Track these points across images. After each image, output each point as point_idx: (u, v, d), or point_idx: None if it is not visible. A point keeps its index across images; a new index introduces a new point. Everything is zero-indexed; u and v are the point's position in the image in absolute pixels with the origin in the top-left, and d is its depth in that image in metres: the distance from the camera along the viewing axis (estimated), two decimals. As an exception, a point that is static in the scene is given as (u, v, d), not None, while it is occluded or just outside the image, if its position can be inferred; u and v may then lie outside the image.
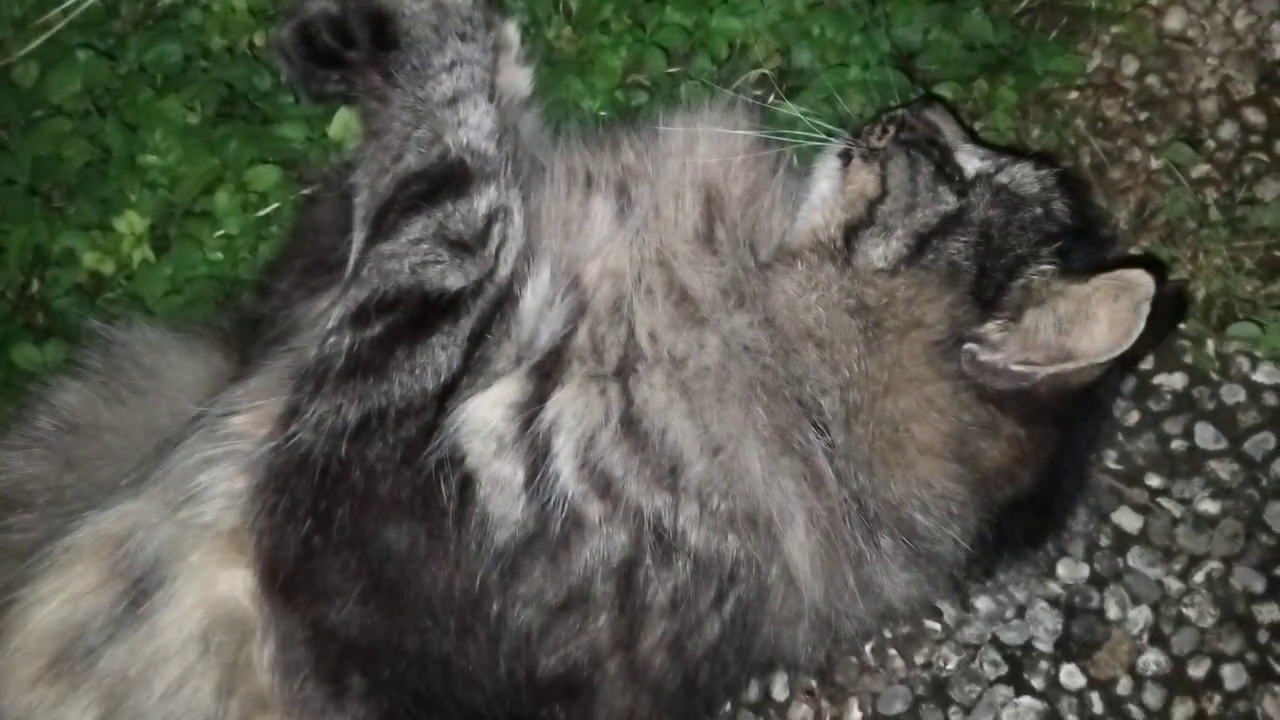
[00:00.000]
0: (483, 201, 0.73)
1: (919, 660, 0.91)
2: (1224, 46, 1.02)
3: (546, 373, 0.72)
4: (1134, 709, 0.90)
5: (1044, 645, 0.91)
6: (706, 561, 0.71)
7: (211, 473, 0.73)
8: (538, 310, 0.73)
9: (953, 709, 0.90)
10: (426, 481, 0.69)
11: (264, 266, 0.93)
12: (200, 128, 0.98)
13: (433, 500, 0.69)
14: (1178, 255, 0.96)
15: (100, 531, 0.73)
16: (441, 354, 0.71)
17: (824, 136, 0.82)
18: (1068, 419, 0.74)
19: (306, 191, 0.96)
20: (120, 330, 0.87)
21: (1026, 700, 0.90)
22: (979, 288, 0.72)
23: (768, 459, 0.70)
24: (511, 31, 0.86)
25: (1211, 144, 1.00)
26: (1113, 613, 0.91)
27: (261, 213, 0.96)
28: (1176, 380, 0.96)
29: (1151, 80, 1.02)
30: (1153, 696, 0.90)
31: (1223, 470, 0.94)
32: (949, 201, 0.74)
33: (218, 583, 0.71)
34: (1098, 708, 0.90)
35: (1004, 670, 0.91)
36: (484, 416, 0.70)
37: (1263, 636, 0.90)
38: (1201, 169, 0.99)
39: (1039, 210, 0.75)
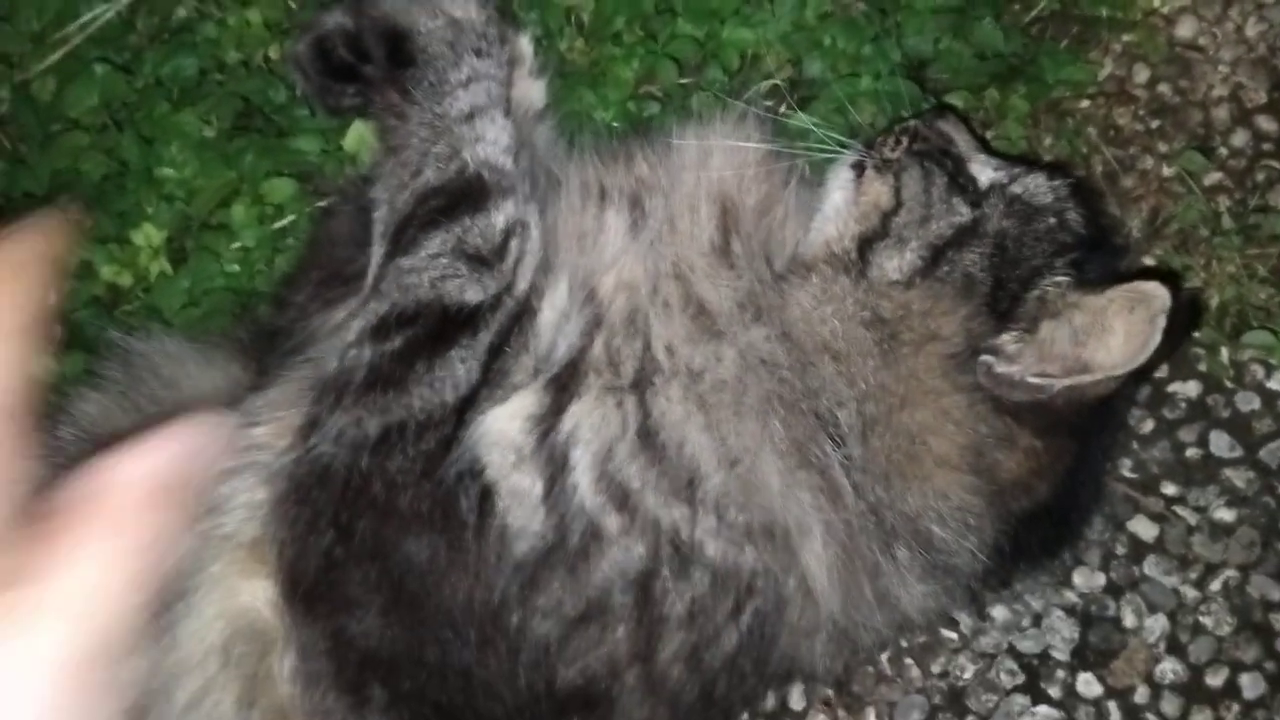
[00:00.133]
0: (500, 216, 0.74)
1: (935, 669, 0.91)
2: (1236, 54, 1.02)
3: (563, 385, 0.72)
4: (1151, 718, 0.89)
5: (1060, 654, 0.91)
6: (724, 573, 0.71)
7: (232, 484, 0.73)
8: (555, 323, 0.74)
9: (969, 718, 0.90)
10: (447, 494, 0.69)
11: (280, 279, 0.94)
12: (216, 141, 0.98)
13: (453, 512, 0.69)
14: (1191, 263, 0.96)
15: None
16: (460, 367, 0.71)
17: (836, 147, 0.82)
18: (1084, 430, 0.74)
19: (322, 204, 0.97)
20: (139, 341, 0.87)
21: (1043, 709, 0.90)
22: (994, 299, 0.72)
23: (785, 472, 0.70)
24: (525, 45, 0.87)
25: (1224, 152, 1.00)
26: (1129, 621, 0.91)
27: (277, 225, 0.97)
28: (1191, 388, 0.95)
29: (1163, 88, 1.02)
30: (1170, 705, 0.90)
31: (1238, 478, 0.94)
32: (963, 213, 0.74)
33: (239, 594, 0.72)
34: (1115, 717, 0.90)
35: (1020, 679, 0.91)
36: (502, 429, 0.71)
37: (1280, 645, 0.90)
38: (1214, 177, 0.99)
39: (1053, 220, 0.75)
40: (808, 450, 0.71)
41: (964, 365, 0.71)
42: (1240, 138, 1.00)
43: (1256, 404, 0.95)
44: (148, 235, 0.97)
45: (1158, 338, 0.66)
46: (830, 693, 0.91)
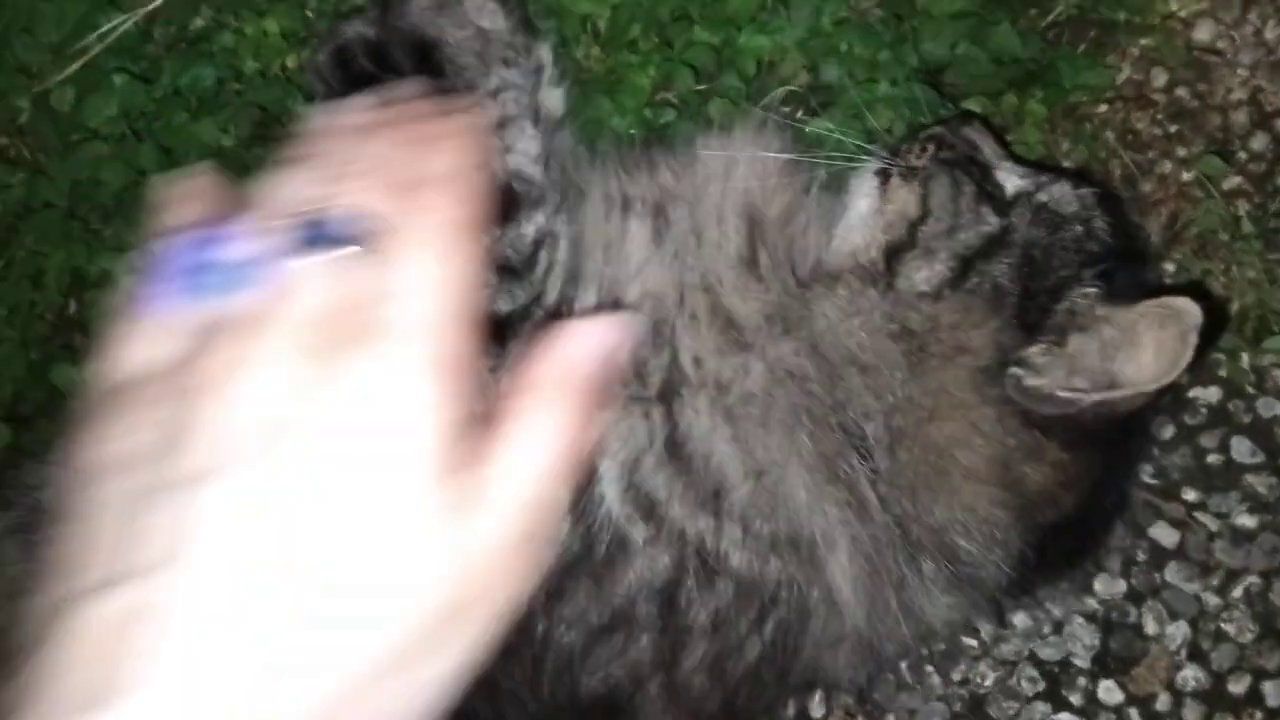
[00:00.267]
0: (530, 226, 0.74)
1: (956, 677, 0.91)
2: (1254, 57, 1.02)
3: (589, 396, 0.72)
4: (1174, 725, 0.89)
5: (1082, 661, 0.91)
6: (749, 584, 0.71)
7: None
8: None
9: (991, 726, 0.90)
10: (475, 504, 0.69)
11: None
12: (234, 150, 0.98)
13: (481, 523, 0.69)
14: (1210, 268, 0.96)
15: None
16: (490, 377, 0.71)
17: (855, 154, 0.81)
18: (1111, 442, 0.73)
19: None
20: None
21: (1065, 717, 0.90)
22: (1023, 310, 0.71)
23: (811, 484, 0.70)
24: (545, 53, 0.87)
25: (1243, 155, 0.99)
26: (1151, 628, 0.91)
27: (296, 234, 0.97)
28: (1211, 394, 0.95)
29: (1181, 92, 1.01)
30: (1192, 713, 0.89)
31: (1260, 484, 0.93)
32: (991, 222, 0.74)
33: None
34: (1137, 724, 0.90)
35: (1042, 686, 0.91)
36: (530, 439, 0.71)
37: (1303, 652, 0.90)
38: (1233, 181, 0.99)
39: (1080, 229, 0.74)
40: (835, 463, 0.70)
41: (993, 378, 0.71)
42: (1260, 141, 1.00)
43: (1278, 409, 0.95)
44: (167, 244, 0.97)
45: (1189, 355, 0.65)
46: (851, 701, 0.91)
